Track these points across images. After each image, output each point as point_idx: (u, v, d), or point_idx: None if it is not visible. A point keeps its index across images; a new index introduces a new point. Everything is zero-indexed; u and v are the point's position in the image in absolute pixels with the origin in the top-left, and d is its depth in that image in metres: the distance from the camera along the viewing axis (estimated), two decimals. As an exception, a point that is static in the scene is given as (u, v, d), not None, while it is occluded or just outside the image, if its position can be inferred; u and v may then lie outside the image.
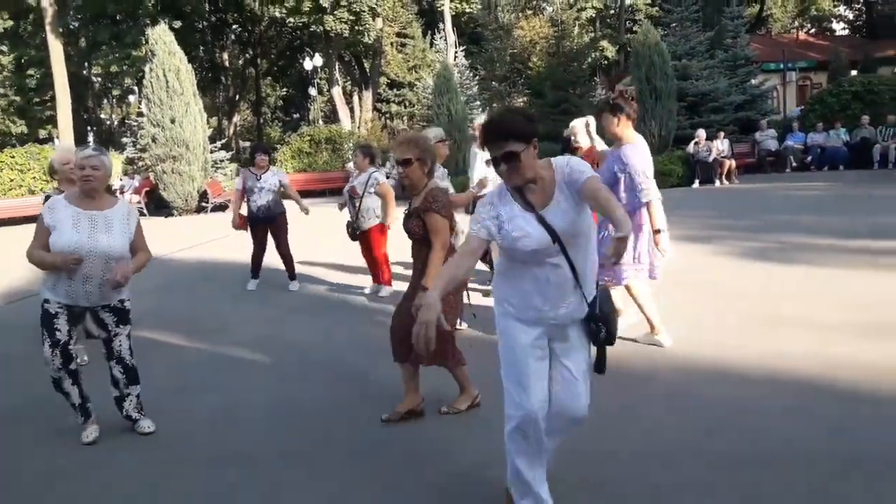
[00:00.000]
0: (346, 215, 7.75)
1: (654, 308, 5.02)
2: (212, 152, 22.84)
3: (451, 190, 6.24)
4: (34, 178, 21.80)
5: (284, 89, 49.99)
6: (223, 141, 27.98)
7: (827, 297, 6.08)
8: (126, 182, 22.56)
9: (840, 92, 20.84)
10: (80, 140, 29.65)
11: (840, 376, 4.22)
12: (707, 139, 18.27)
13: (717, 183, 17.66)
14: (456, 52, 30.63)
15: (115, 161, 25.23)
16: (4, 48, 34.91)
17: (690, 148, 18.49)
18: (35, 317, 4.08)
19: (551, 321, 2.73)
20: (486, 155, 6.56)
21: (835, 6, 46.24)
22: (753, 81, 24.30)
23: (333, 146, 25.61)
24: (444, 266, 2.52)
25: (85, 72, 38.35)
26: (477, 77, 31.23)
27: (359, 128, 33.49)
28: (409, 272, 4.59)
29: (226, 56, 42.19)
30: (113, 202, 4.06)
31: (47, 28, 26.90)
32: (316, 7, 30.29)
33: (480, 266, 6.74)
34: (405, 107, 34.68)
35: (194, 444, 4.08)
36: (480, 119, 6.92)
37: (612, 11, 41.65)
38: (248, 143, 43.17)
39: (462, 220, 4.90)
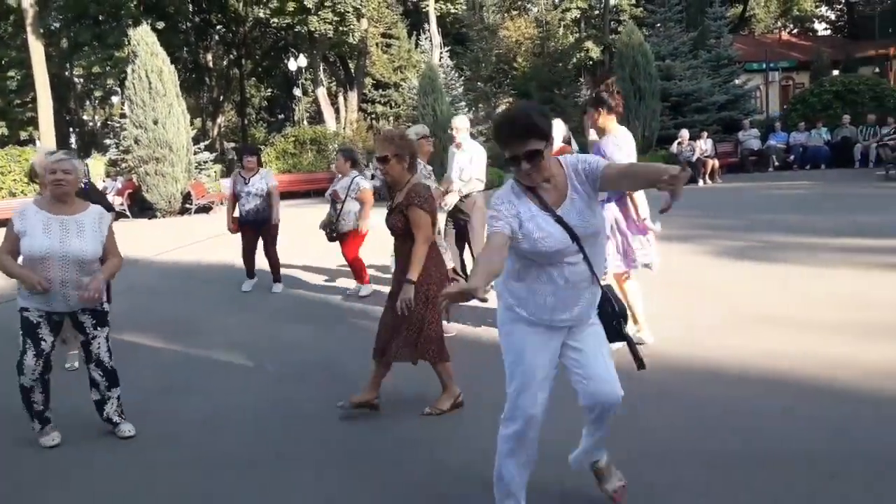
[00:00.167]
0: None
1: (640, 304, 5.02)
2: (196, 153, 22.70)
3: (436, 188, 6.24)
4: (14, 180, 21.54)
5: (269, 90, 49.78)
6: (207, 142, 27.83)
7: (812, 296, 6.13)
8: (109, 184, 22.32)
9: (821, 92, 21.05)
10: (61, 142, 29.41)
11: (829, 376, 4.24)
12: (690, 139, 18.40)
13: (701, 182, 17.77)
14: (441, 53, 30.60)
15: (98, 163, 25.03)
16: (-16, 49, 34.52)
17: (674, 148, 18.61)
18: (5, 322, 4.03)
19: (565, 322, 2.68)
20: (466, 154, 6.63)
21: (816, 7, 46.66)
22: (736, 81, 24.49)
23: (318, 147, 25.53)
24: (479, 261, 2.41)
25: (67, 73, 37.98)
26: (462, 77, 31.22)
27: (344, 128, 33.40)
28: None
29: (210, 57, 41.95)
30: (84, 206, 4.02)
31: (28, 29, 26.62)
32: (300, 8, 30.20)
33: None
34: (391, 107, 34.61)
35: (179, 446, 4.05)
36: (459, 119, 6.87)
37: (596, 12, 41.78)
38: (232, 144, 43.01)
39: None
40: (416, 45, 34.53)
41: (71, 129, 43.98)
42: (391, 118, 33.32)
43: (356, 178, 7.45)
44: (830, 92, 20.74)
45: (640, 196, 4.74)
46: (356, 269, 7.62)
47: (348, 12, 30.87)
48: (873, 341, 4.75)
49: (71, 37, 31.71)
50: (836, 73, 26.76)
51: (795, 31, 45.07)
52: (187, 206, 21.05)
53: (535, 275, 2.63)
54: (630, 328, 5.08)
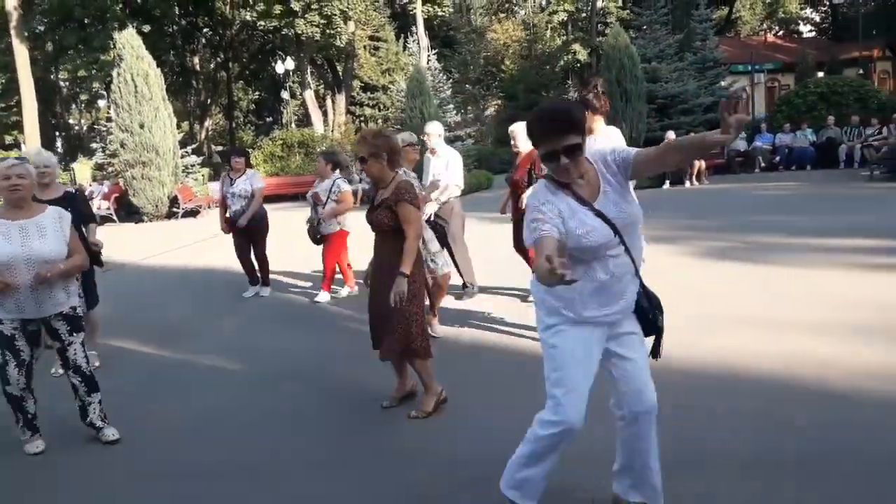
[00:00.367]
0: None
1: None
2: (183, 157, 22.60)
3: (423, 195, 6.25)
4: None
5: (257, 93, 49.65)
6: (195, 145, 27.70)
7: (796, 296, 6.17)
8: (95, 188, 22.21)
9: (806, 93, 21.22)
10: (47, 146, 29.18)
11: (812, 376, 4.27)
12: (677, 140, 18.45)
13: (688, 184, 17.86)
14: (429, 56, 30.63)
15: (84, 167, 24.90)
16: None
17: (661, 149, 18.66)
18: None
19: (613, 316, 2.64)
20: (442, 160, 6.62)
21: (802, 9, 47.05)
22: (722, 83, 24.64)
23: (306, 150, 25.49)
24: (542, 264, 2.27)
25: (52, 76, 37.73)
26: (450, 80, 31.28)
27: (332, 131, 33.37)
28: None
29: (197, 60, 41.79)
30: (42, 208, 3.99)
31: (12, 32, 26.44)
32: (287, 11, 30.16)
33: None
34: (379, 110, 34.62)
35: (166, 452, 4.02)
36: (432, 125, 6.84)
37: (583, 15, 41.92)
38: (220, 148, 42.84)
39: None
40: (404, 47, 34.58)
41: (57, 133, 43.66)
42: (379, 121, 33.33)
43: (337, 180, 7.49)
44: (815, 93, 20.91)
45: None
46: (340, 270, 7.62)
47: (335, 15, 30.86)
48: (857, 341, 4.79)
49: (56, 40, 31.47)
50: (820, 74, 26.98)
51: (781, 33, 45.42)
52: (174, 210, 20.94)
53: (579, 272, 2.53)
54: None
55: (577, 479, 3.18)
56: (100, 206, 21.07)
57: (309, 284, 8.57)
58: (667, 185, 17.82)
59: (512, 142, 6.59)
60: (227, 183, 7.99)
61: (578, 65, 40.11)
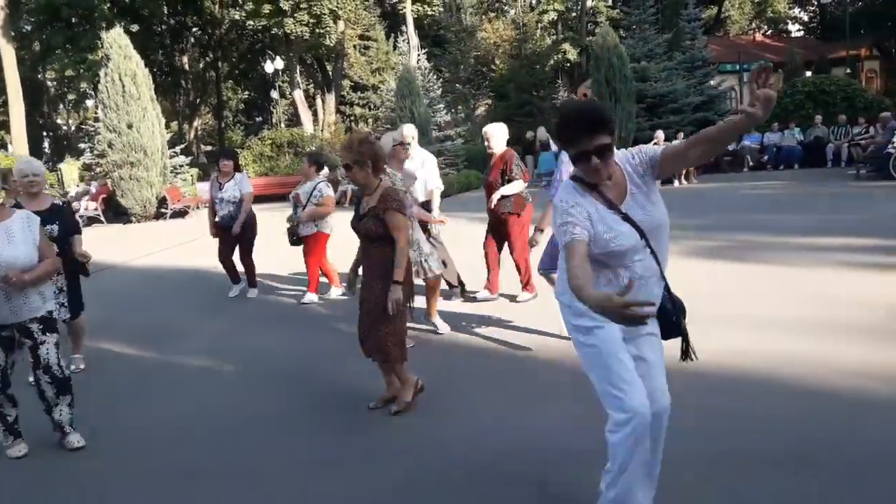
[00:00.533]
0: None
1: None
2: (171, 157, 22.49)
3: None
4: (-14, 185, 21.19)
5: (246, 93, 49.46)
6: (183, 145, 27.58)
7: (782, 294, 6.19)
8: (83, 188, 22.07)
9: (794, 92, 21.34)
10: (34, 146, 28.99)
11: (798, 374, 4.29)
12: (666, 140, 18.52)
13: (677, 183, 17.91)
14: (419, 55, 30.58)
15: (72, 167, 24.73)
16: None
17: (650, 148, 18.73)
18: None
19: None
20: (416, 161, 6.56)
21: (790, 8, 47.29)
22: (711, 83, 24.75)
23: (295, 150, 25.41)
24: (576, 284, 2.24)
25: (39, 76, 37.48)
26: (441, 80, 31.24)
27: (322, 131, 33.28)
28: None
29: (185, 59, 41.59)
30: (9, 213, 3.95)
31: (-1, 31, 26.23)
32: (276, 10, 30.05)
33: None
34: (369, 109, 34.54)
35: (150, 455, 3.99)
36: (408, 127, 6.76)
37: (573, 14, 41.98)
38: (209, 148, 42.67)
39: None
40: (395, 47, 34.51)
41: (44, 134, 43.41)
42: (370, 120, 33.27)
43: (319, 183, 7.46)
44: (803, 92, 21.03)
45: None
46: (314, 272, 7.60)
47: (325, 14, 30.76)
48: (843, 340, 4.81)
49: (43, 39, 31.27)
50: (808, 73, 27.15)
51: (769, 32, 45.65)
52: (163, 210, 20.84)
53: (607, 276, 2.53)
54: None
55: (583, 480, 3.18)
56: (87, 206, 20.95)
57: (296, 285, 8.54)
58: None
59: (486, 143, 6.65)
60: (215, 187, 7.94)
61: (568, 64, 40.15)
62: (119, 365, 5.88)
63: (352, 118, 34.84)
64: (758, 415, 3.78)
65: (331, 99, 36.29)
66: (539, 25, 38.41)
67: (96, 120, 22.43)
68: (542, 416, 4.01)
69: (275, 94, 33.89)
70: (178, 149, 24.25)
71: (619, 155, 2.54)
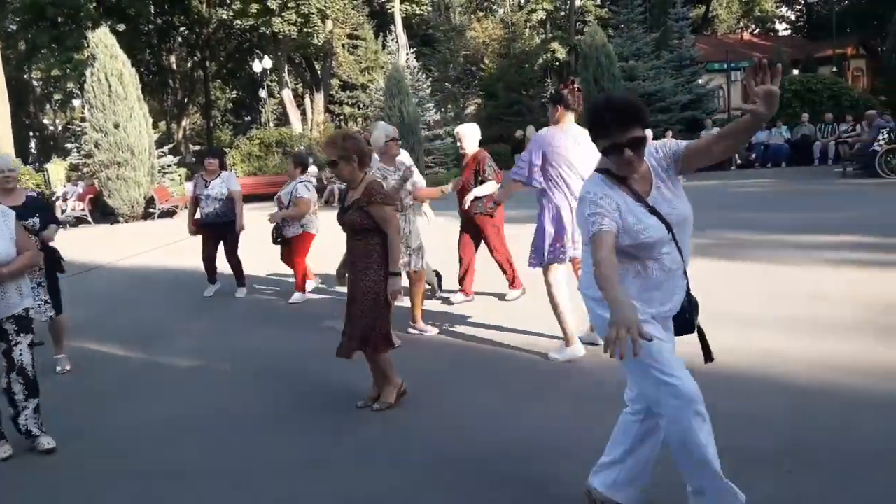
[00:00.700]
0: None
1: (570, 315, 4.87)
2: (159, 157, 22.36)
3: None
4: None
5: (234, 92, 49.25)
6: (171, 145, 27.43)
7: (769, 292, 6.21)
8: (69, 189, 21.90)
9: (781, 91, 21.34)
10: (21, 146, 28.75)
11: (784, 371, 4.30)
12: (654, 139, 18.52)
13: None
14: (407, 54, 30.54)
15: (59, 167, 24.54)
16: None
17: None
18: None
19: (668, 313, 2.59)
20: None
21: (777, 7, 47.57)
22: (699, 81, 24.85)
23: (284, 149, 25.31)
24: (604, 274, 2.22)
25: (25, 76, 37.18)
26: (430, 79, 31.22)
27: (311, 130, 33.19)
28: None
29: (173, 59, 41.35)
30: None
31: (-17, 31, 26.02)
32: (263, 9, 29.94)
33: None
34: (358, 108, 34.47)
35: (137, 455, 3.95)
36: (386, 129, 6.67)
37: (562, 13, 42.06)
38: (198, 148, 42.45)
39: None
40: (383, 46, 34.46)
41: (31, 134, 43.09)
42: (359, 119, 33.21)
43: (299, 184, 7.46)
44: (790, 91, 21.13)
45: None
46: (299, 273, 7.57)
47: (312, 13, 30.68)
48: (828, 337, 4.83)
49: (29, 39, 31.03)
50: (796, 72, 27.30)
51: (757, 31, 45.91)
52: (151, 210, 20.71)
53: (635, 269, 2.52)
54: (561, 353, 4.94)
55: (574, 478, 3.17)
56: (74, 206, 20.80)
57: (283, 285, 8.51)
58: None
59: (458, 143, 6.61)
60: (200, 185, 7.89)
61: (557, 63, 40.23)
62: (106, 365, 5.83)
63: (341, 117, 34.76)
64: (751, 413, 3.78)
65: (319, 98, 36.20)
66: (528, 24, 38.46)
67: (83, 120, 22.27)
68: (533, 415, 4.00)
69: (263, 94, 33.74)
70: (166, 148, 24.12)
71: (647, 149, 2.53)
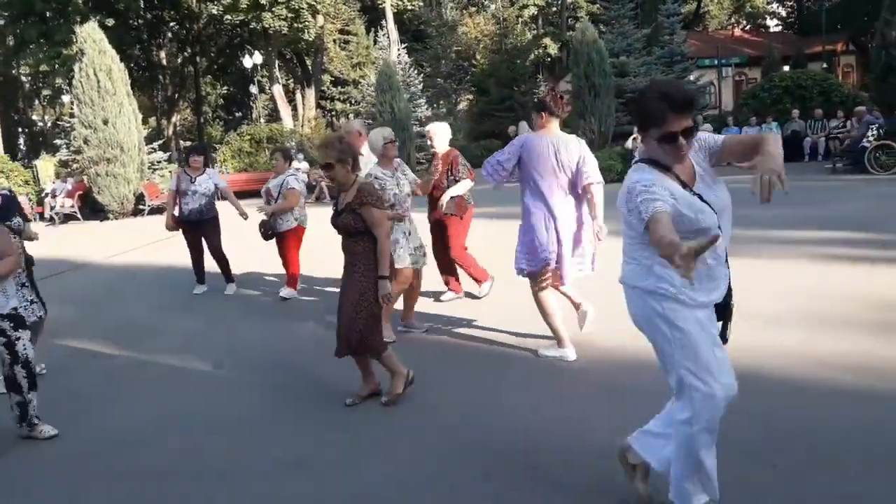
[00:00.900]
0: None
1: (559, 317, 4.87)
2: (149, 153, 22.22)
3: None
4: (-41, 183, 20.84)
5: (225, 87, 48.99)
6: (162, 141, 27.29)
7: (759, 287, 6.22)
8: (58, 185, 21.74)
9: (771, 87, 21.50)
10: (9, 142, 28.53)
11: (774, 366, 4.31)
12: (646, 134, 18.60)
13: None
14: (399, 50, 30.48)
15: (48, 164, 24.36)
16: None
17: (629, 144, 18.79)
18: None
19: (717, 299, 2.62)
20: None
21: (768, 3, 47.70)
22: (690, 77, 24.89)
23: (275, 145, 25.25)
24: (669, 236, 2.18)
25: (14, 71, 36.89)
26: (421, 74, 31.17)
27: (302, 126, 33.07)
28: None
29: (163, 54, 41.07)
30: None
31: (-30, 26, 25.78)
32: (254, 4, 29.79)
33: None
34: (350, 104, 34.39)
35: (126, 454, 3.93)
36: (358, 122, 6.60)
37: (553, 9, 42.07)
38: (188, 143, 42.21)
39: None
40: (375, 41, 34.38)
41: (19, 130, 42.77)
42: (350, 115, 33.13)
43: (289, 177, 7.42)
44: (780, 87, 21.19)
45: (599, 194, 4.68)
46: (292, 267, 7.52)
47: (303, 9, 30.55)
48: (818, 332, 4.85)
49: (17, 34, 30.76)
50: (786, 68, 27.39)
51: (748, 27, 46.02)
52: (140, 207, 20.60)
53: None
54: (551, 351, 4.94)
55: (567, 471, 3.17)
56: (63, 203, 20.65)
57: (274, 280, 8.48)
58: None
59: (429, 142, 6.50)
60: (185, 180, 7.80)
61: (549, 59, 40.25)
62: (93, 363, 5.80)
63: (332, 113, 34.69)
64: (743, 407, 3.78)
65: (310, 94, 36.08)
66: (519, 20, 38.47)
67: (72, 116, 22.11)
68: (523, 412, 4.01)
69: (254, 89, 33.53)
70: (155, 144, 23.99)
71: None
